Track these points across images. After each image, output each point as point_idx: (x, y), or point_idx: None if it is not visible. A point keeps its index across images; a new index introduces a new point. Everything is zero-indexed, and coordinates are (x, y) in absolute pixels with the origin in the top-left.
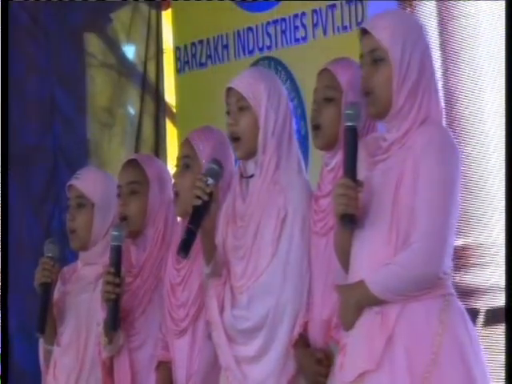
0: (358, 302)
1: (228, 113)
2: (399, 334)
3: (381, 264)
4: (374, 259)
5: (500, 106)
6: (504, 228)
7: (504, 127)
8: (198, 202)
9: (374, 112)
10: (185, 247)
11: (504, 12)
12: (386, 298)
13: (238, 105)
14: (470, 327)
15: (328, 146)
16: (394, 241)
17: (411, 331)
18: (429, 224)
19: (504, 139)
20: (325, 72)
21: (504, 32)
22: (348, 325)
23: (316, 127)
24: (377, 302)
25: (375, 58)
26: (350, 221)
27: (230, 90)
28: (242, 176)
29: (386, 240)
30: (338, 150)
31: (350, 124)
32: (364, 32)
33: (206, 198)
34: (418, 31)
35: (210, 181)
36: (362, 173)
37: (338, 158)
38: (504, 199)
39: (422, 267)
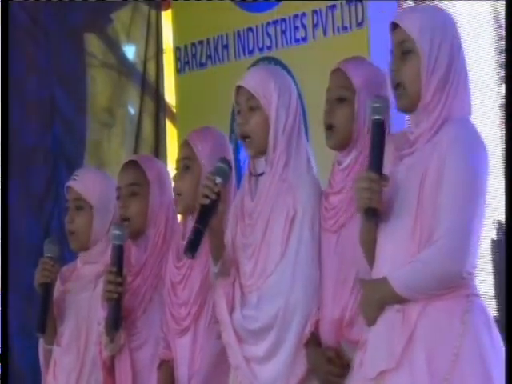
0: (380, 298)
1: (238, 112)
2: (420, 334)
3: (404, 260)
4: (397, 255)
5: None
6: (504, 233)
7: (505, 128)
8: (206, 201)
9: (403, 105)
10: (192, 247)
11: (504, 12)
12: (408, 295)
13: (249, 104)
14: (493, 330)
15: (341, 146)
16: (417, 237)
17: (432, 331)
18: (453, 221)
19: (504, 140)
20: (337, 71)
21: (503, 32)
22: (370, 321)
23: (329, 127)
24: (399, 299)
25: (404, 50)
26: (373, 215)
27: (239, 88)
28: (251, 174)
29: (410, 236)
30: (351, 149)
31: (376, 117)
32: (394, 27)
33: (214, 196)
34: (448, 24)
35: (219, 180)
36: (387, 167)
37: (351, 157)
38: (504, 202)
39: (446, 265)
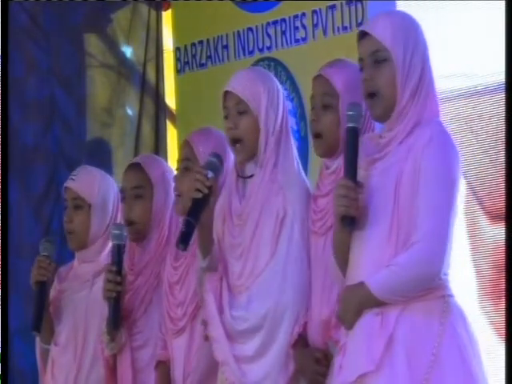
0: (358, 303)
1: (226, 117)
2: (399, 336)
3: (381, 264)
4: (374, 259)
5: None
6: (504, 232)
7: (504, 129)
8: (198, 195)
9: (378, 114)
10: (184, 239)
11: (504, 12)
12: (386, 299)
13: (237, 108)
14: (470, 328)
15: (329, 153)
16: (394, 240)
17: (411, 332)
18: (430, 224)
19: (504, 141)
20: (319, 78)
21: (504, 32)
22: (348, 325)
23: (317, 136)
24: (377, 303)
25: (377, 59)
26: (351, 222)
27: (227, 93)
28: (238, 176)
29: (387, 240)
30: (339, 154)
31: (351, 125)
32: (362, 35)
33: (205, 191)
34: (417, 30)
35: (210, 174)
36: (359, 173)
37: (339, 161)
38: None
39: (423, 268)
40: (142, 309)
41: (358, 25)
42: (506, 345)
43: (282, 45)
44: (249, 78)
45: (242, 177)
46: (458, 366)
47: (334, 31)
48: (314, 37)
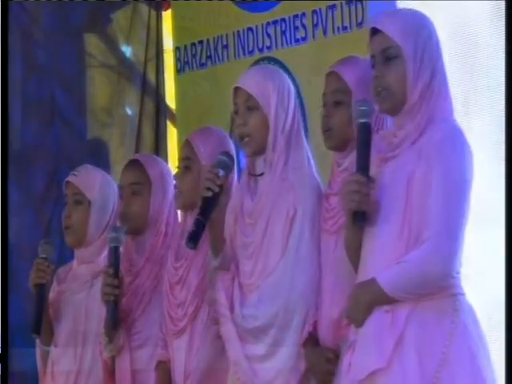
0: (369, 300)
1: (236, 112)
2: (410, 334)
3: (392, 261)
4: (385, 256)
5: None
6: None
7: (504, 129)
8: (209, 194)
9: (386, 107)
10: (194, 238)
11: (504, 12)
12: (397, 296)
13: (247, 104)
14: (480, 327)
15: (339, 147)
16: (405, 238)
17: (422, 330)
18: (442, 222)
19: (504, 140)
20: (332, 75)
21: (499, 32)
22: (358, 322)
23: (327, 130)
24: (388, 300)
25: (388, 56)
26: (362, 218)
27: (237, 89)
28: (250, 174)
29: (398, 237)
30: (350, 151)
31: (363, 120)
32: (374, 32)
33: (216, 189)
34: (429, 27)
35: (221, 173)
36: (371, 170)
37: (350, 159)
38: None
39: (434, 266)
40: (141, 309)
41: (358, 25)
42: (506, 344)
43: (282, 45)
44: (259, 75)
45: (253, 175)
46: (469, 365)
47: (333, 31)
48: (313, 37)
